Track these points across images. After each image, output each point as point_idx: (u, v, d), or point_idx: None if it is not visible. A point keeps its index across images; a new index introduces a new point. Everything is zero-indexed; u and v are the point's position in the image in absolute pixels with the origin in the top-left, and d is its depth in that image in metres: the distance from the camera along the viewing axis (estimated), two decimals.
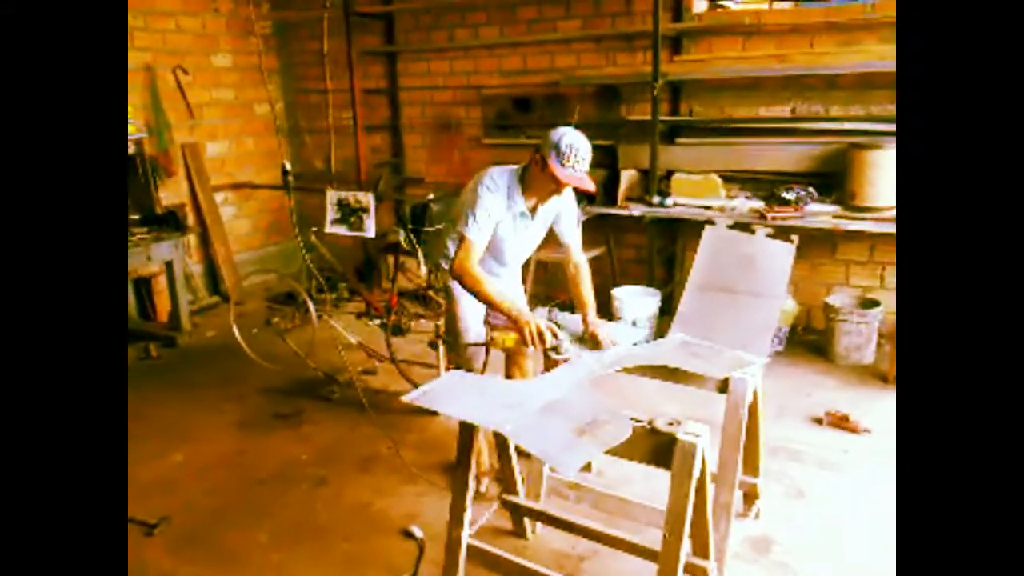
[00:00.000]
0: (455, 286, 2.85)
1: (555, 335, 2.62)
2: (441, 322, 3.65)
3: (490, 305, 2.77)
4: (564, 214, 2.97)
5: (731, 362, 2.53)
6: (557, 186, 2.68)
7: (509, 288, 3.13)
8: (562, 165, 2.60)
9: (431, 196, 4.14)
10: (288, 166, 2.99)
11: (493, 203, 2.72)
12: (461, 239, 2.72)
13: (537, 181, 2.73)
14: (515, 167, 2.83)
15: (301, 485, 3.28)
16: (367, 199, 4.55)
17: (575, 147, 2.60)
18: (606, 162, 5.09)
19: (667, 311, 4.76)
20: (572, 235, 3.02)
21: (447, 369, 3.19)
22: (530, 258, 3.24)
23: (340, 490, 3.24)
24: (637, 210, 4.76)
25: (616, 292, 4.84)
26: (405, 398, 2.25)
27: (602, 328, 2.79)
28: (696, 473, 2.00)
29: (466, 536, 2.42)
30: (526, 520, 2.83)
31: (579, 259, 3.03)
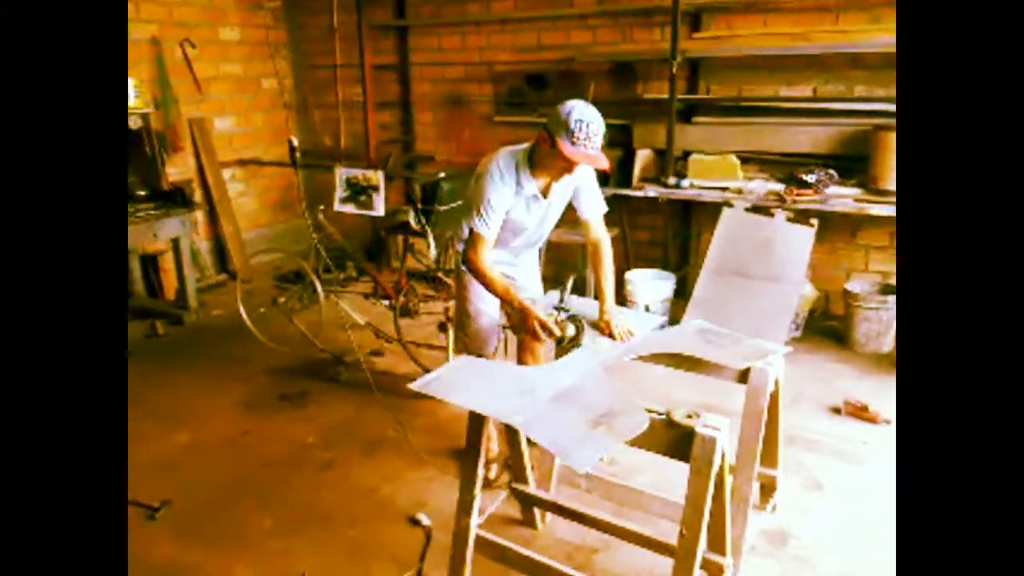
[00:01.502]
0: (467, 270, 2.76)
1: (563, 329, 2.52)
2: (451, 304, 3.57)
3: (499, 298, 2.67)
4: (583, 188, 2.78)
5: (751, 351, 2.44)
6: (568, 165, 2.53)
7: (526, 271, 3.04)
8: (572, 143, 2.43)
9: (442, 174, 4.05)
10: (295, 142, 2.89)
11: (501, 193, 2.59)
12: (470, 233, 2.63)
13: (546, 160, 2.57)
14: (524, 147, 2.68)
15: (306, 469, 3.23)
16: (377, 177, 4.46)
17: (585, 122, 2.42)
18: (621, 142, 4.97)
19: (681, 295, 4.66)
20: (592, 211, 2.82)
21: (456, 353, 3.10)
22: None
23: (346, 474, 3.18)
24: (652, 191, 4.64)
25: (630, 275, 4.75)
26: (412, 385, 2.17)
27: (618, 318, 2.65)
28: (715, 468, 1.91)
29: (474, 526, 2.35)
30: (536, 509, 2.76)
31: (599, 237, 2.83)
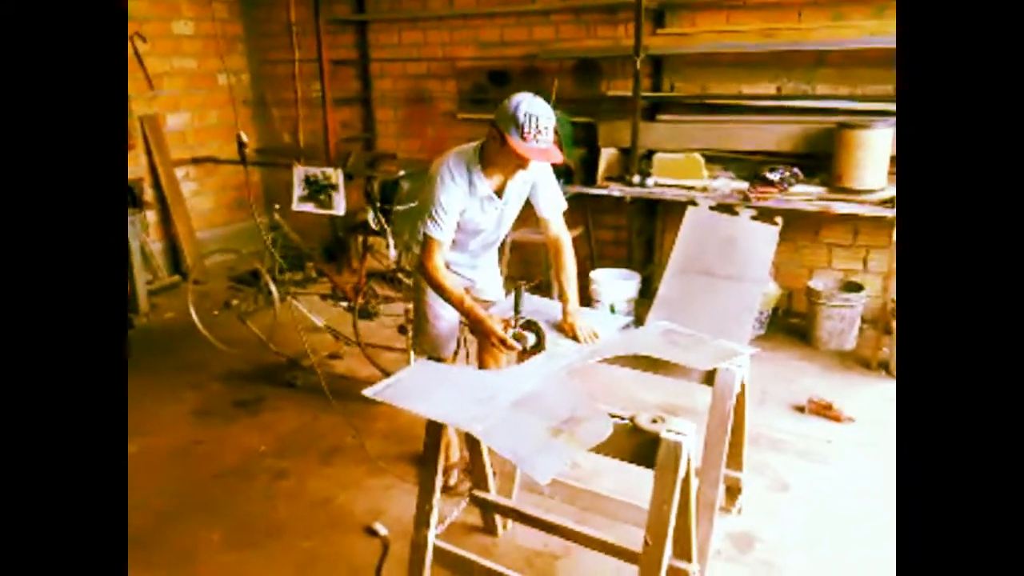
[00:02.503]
0: (423, 277, 2.65)
1: (521, 339, 2.43)
2: (411, 306, 3.46)
3: (453, 306, 2.57)
4: (540, 185, 2.68)
5: (717, 353, 2.38)
6: (521, 162, 2.43)
7: (485, 273, 2.95)
8: (523, 139, 2.32)
9: (402, 172, 3.94)
10: (244, 138, 2.74)
11: (453, 195, 2.48)
12: (424, 237, 2.52)
13: (498, 158, 2.47)
14: (474, 145, 2.57)
15: (260, 479, 3.10)
16: (336, 175, 4.33)
17: (534, 116, 2.31)
18: (585, 139, 4.92)
19: (646, 294, 4.61)
20: (550, 208, 2.72)
21: (416, 356, 3.00)
22: (505, 238, 3.03)
23: (301, 484, 3.06)
24: (617, 190, 4.59)
25: (594, 275, 4.69)
26: (367, 392, 2.07)
27: (582, 320, 2.56)
28: (681, 474, 1.85)
29: (432, 537, 2.26)
30: (497, 516, 2.68)
31: (559, 235, 2.73)
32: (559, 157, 2.44)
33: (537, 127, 2.32)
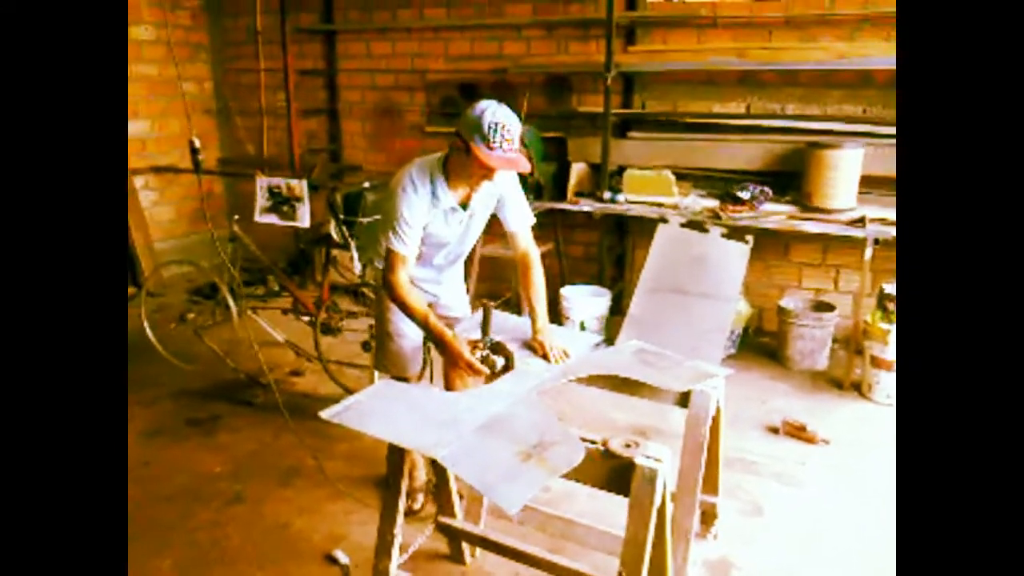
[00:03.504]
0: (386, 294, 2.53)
1: (490, 364, 2.33)
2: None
3: (418, 325, 2.47)
4: (507, 198, 2.59)
5: (692, 374, 2.31)
6: (487, 172, 2.34)
7: (450, 289, 2.84)
8: (488, 148, 2.23)
9: (367, 184, 3.83)
10: (197, 143, 2.60)
11: (415, 209, 2.38)
12: (387, 252, 2.41)
13: (462, 169, 2.37)
14: (438, 156, 2.47)
15: (213, 503, 2.93)
16: (300, 187, 4.20)
17: (500, 123, 2.22)
18: (556, 155, 4.86)
19: (617, 311, 4.56)
20: (518, 222, 2.63)
21: (378, 375, 2.87)
22: (474, 253, 2.94)
23: (257, 508, 2.90)
24: (587, 206, 4.54)
25: (564, 291, 4.61)
26: (324, 414, 1.95)
27: (552, 338, 2.48)
28: (657, 502, 1.76)
29: (395, 568, 2.14)
30: (465, 543, 2.56)
31: (528, 250, 2.63)
32: (527, 166, 2.36)
33: (503, 135, 2.23)
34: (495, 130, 2.22)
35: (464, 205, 2.50)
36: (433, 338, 2.40)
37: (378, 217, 3.05)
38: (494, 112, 2.25)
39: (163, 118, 6.14)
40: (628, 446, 1.81)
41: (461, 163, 2.36)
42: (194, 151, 2.64)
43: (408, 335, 2.65)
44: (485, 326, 2.41)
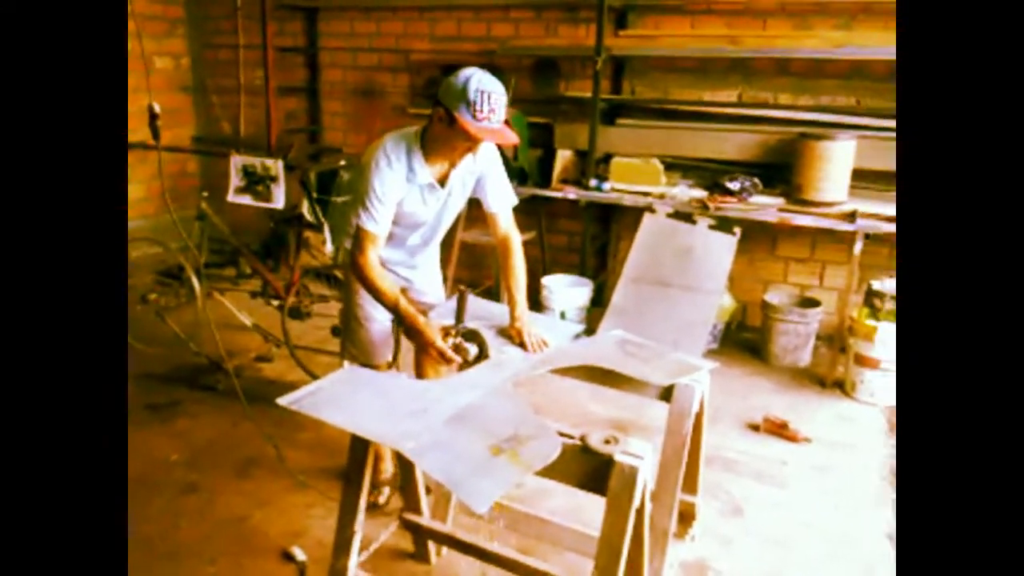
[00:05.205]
0: (355, 275, 2.38)
1: (462, 353, 2.19)
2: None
3: (388, 310, 2.32)
4: (488, 177, 2.43)
5: (676, 367, 2.18)
6: (471, 144, 2.19)
7: (425, 273, 2.69)
8: (474, 118, 2.08)
9: (342, 162, 3.67)
10: (156, 108, 2.41)
11: (390, 182, 2.23)
12: (357, 230, 2.25)
13: (443, 142, 2.22)
14: (415, 129, 2.31)
15: (165, 492, 2.77)
16: (275, 166, 4.03)
17: (487, 92, 2.08)
18: (542, 140, 4.72)
19: (599, 302, 4.43)
20: (499, 202, 2.47)
21: (348, 362, 2.72)
22: (454, 238, 2.78)
23: (211, 499, 2.74)
24: (572, 193, 4.40)
25: (546, 280, 4.49)
26: (282, 401, 1.81)
27: (531, 326, 2.34)
28: (636, 502, 1.64)
29: (354, 566, 2.00)
30: (430, 542, 2.42)
31: (508, 233, 2.50)
32: (514, 138, 2.22)
33: (491, 104, 2.08)
34: (482, 99, 2.07)
35: (442, 182, 2.35)
36: (403, 323, 2.25)
37: (350, 197, 2.90)
38: (480, 79, 2.10)
39: (135, 93, 5.89)
40: (607, 442, 1.68)
41: (443, 135, 2.20)
42: (153, 117, 2.44)
43: (377, 319, 2.50)
44: (459, 312, 2.27)
